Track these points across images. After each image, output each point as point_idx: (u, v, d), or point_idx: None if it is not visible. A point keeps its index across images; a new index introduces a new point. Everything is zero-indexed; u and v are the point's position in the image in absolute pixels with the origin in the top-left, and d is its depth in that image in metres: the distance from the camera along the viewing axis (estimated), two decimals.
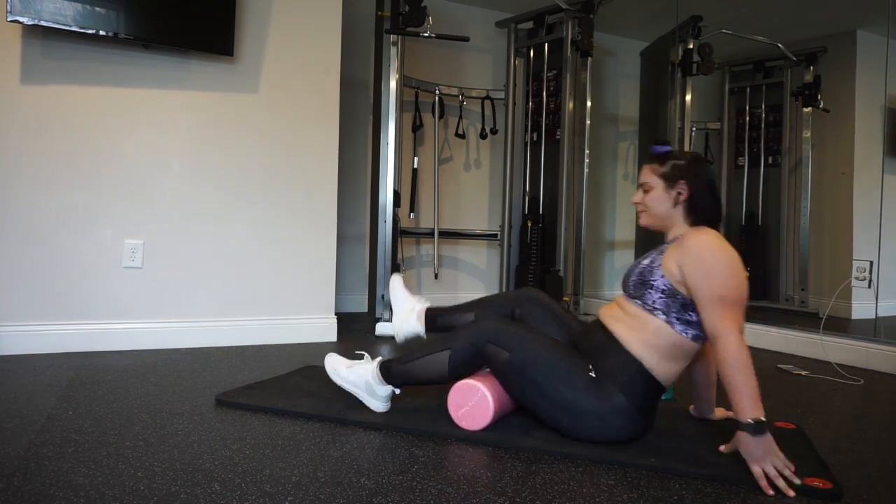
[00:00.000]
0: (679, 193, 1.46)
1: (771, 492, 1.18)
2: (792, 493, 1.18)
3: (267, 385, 1.88)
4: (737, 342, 1.26)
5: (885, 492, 1.23)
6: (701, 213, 1.46)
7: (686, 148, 3.71)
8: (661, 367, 1.39)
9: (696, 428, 1.57)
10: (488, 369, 1.53)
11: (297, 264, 2.73)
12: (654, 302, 1.40)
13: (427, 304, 1.76)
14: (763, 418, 1.23)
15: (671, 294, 1.38)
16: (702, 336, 1.39)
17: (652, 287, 1.40)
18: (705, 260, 1.33)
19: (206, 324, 2.56)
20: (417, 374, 1.55)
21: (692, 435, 1.51)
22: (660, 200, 1.48)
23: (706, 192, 1.45)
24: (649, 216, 1.52)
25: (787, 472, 1.20)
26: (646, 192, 1.51)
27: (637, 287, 1.44)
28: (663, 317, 1.38)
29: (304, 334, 2.72)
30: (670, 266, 1.39)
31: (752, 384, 1.24)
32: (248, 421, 1.56)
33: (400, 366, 1.58)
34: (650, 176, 1.51)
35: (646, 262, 1.47)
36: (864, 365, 2.47)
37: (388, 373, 1.59)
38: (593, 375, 1.40)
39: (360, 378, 1.62)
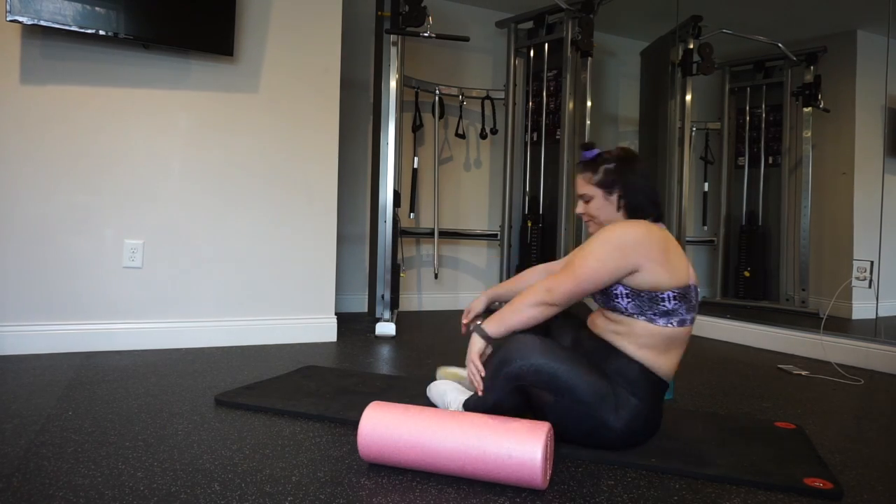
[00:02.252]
0: (620, 197, 1.47)
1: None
2: (479, 391, 1.42)
3: (267, 385, 1.88)
4: (535, 287, 1.40)
5: (885, 492, 1.23)
6: (641, 212, 1.47)
7: (686, 148, 3.72)
8: (661, 361, 1.39)
9: (696, 428, 1.57)
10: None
11: (297, 264, 2.73)
12: (626, 307, 1.40)
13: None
14: (486, 328, 1.43)
15: (634, 294, 1.38)
16: (687, 319, 1.40)
17: (615, 296, 1.41)
18: (592, 238, 1.41)
19: (206, 324, 2.56)
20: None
21: (692, 435, 1.51)
22: (602, 209, 1.49)
23: (641, 192, 1.46)
24: (596, 225, 1.52)
25: (477, 377, 1.41)
26: (587, 202, 1.51)
27: (605, 301, 1.45)
28: (642, 318, 1.38)
29: (304, 334, 2.72)
30: None
31: (507, 310, 1.42)
32: (248, 421, 1.56)
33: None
34: (586, 186, 1.50)
35: None
36: (864, 365, 2.47)
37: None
38: (610, 387, 1.38)
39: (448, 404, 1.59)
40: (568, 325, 1.63)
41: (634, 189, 1.46)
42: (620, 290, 1.39)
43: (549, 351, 1.36)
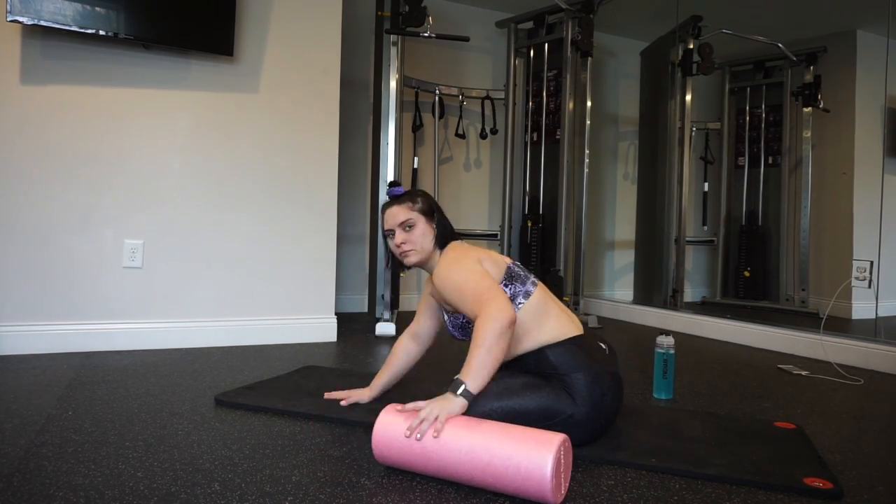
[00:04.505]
0: (436, 225, 1.54)
1: (408, 435, 1.21)
2: (416, 436, 1.20)
3: (267, 385, 1.88)
4: (480, 323, 1.29)
5: (885, 492, 1.23)
6: (443, 238, 1.54)
7: (686, 148, 3.72)
8: (552, 328, 1.43)
9: (696, 428, 1.57)
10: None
11: (297, 264, 2.73)
12: None
13: None
14: (466, 383, 1.25)
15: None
16: (530, 289, 1.45)
17: (465, 320, 1.48)
18: (445, 279, 1.41)
19: (206, 324, 2.56)
20: None
21: (692, 435, 1.51)
22: (425, 235, 1.52)
23: (445, 221, 1.56)
24: (418, 254, 1.52)
25: (425, 427, 1.19)
26: (409, 229, 1.51)
27: (463, 332, 1.51)
28: None
29: (304, 334, 2.72)
30: (443, 302, 1.51)
31: (477, 355, 1.26)
32: (248, 421, 1.56)
33: None
34: (409, 213, 1.52)
35: (446, 316, 1.55)
36: (864, 365, 2.47)
37: None
38: (555, 385, 1.38)
39: None
40: None
41: (442, 218, 1.56)
42: (460, 318, 1.47)
43: (500, 392, 1.34)
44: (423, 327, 1.73)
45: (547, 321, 1.44)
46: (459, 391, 1.24)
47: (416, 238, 1.51)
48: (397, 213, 1.52)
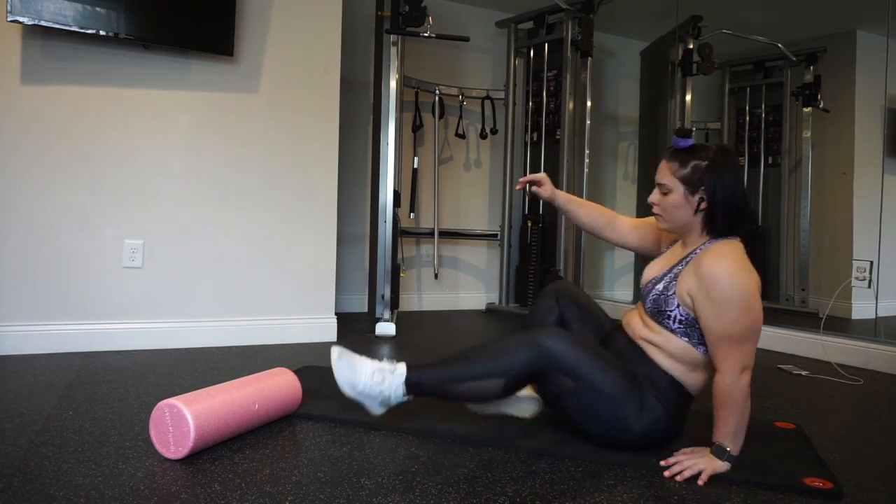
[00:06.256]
0: (701, 200, 1.31)
1: (668, 474, 1.28)
2: (676, 477, 1.27)
3: None
4: (730, 383, 1.24)
5: (885, 492, 1.23)
6: (723, 222, 1.31)
7: None
8: (691, 377, 1.37)
9: (696, 428, 1.57)
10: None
11: (297, 264, 2.73)
12: (673, 328, 1.35)
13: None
14: (728, 449, 1.27)
15: (690, 324, 1.32)
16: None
17: (669, 317, 1.34)
18: (719, 295, 1.23)
19: (206, 324, 2.56)
20: (457, 396, 1.43)
21: (693, 435, 1.51)
22: (679, 207, 1.34)
23: (730, 199, 1.29)
24: (666, 221, 1.38)
25: (687, 473, 1.27)
26: (664, 194, 1.36)
27: (654, 314, 1.38)
28: (685, 339, 1.34)
29: (304, 334, 2.72)
30: (684, 296, 1.31)
31: (733, 420, 1.26)
32: None
33: (436, 386, 1.43)
34: (669, 177, 1.33)
35: (660, 286, 1.37)
36: (864, 365, 2.47)
37: (416, 388, 1.44)
38: (636, 387, 1.36)
39: (378, 394, 1.45)
40: (593, 324, 1.58)
41: (720, 198, 1.29)
42: (677, 314, 1.33)
43: (576, 343, 1.35)
44: (624, 227, 1.61)
45: (699, 373, 1.37)
46: (725, 457, 1.26)
47: (667, 207, 1.35)
48: (660, 172, 1.36)
